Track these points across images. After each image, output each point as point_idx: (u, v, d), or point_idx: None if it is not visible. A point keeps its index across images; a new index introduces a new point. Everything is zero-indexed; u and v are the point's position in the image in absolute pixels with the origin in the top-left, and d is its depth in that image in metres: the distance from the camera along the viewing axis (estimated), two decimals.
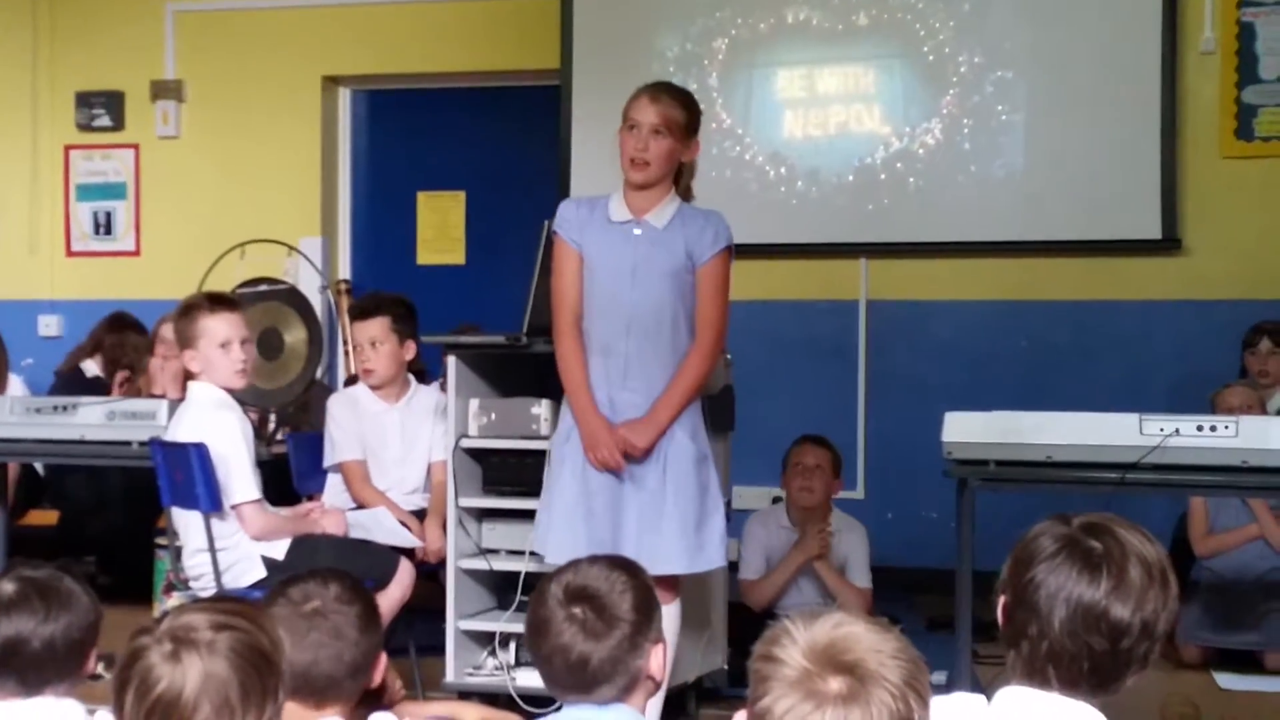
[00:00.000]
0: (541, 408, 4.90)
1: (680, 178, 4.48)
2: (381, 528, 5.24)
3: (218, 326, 4.85)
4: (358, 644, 2.75)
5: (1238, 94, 7.13)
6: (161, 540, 5.99)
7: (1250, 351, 6.53)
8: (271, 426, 6.32)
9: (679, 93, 4.47)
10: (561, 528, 4.36)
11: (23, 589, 2.70)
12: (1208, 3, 7.16)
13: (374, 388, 5.59)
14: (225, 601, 2.19)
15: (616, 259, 4.37)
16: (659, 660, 2.73)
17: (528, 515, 4.77)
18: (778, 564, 5.76)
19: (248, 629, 2.08)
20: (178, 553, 4.95)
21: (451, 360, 4.98)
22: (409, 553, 5.18)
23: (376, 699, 2.93)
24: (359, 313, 5.69)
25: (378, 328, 5.56)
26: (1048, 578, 2.25)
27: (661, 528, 4.32)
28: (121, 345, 7.38)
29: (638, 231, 4.38)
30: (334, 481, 5.60)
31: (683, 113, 4.39)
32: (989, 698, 2.32)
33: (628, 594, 2.71)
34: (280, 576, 4.67)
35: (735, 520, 5.55)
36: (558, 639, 2.66)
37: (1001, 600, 2.33)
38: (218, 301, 4.98)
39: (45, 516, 7.20)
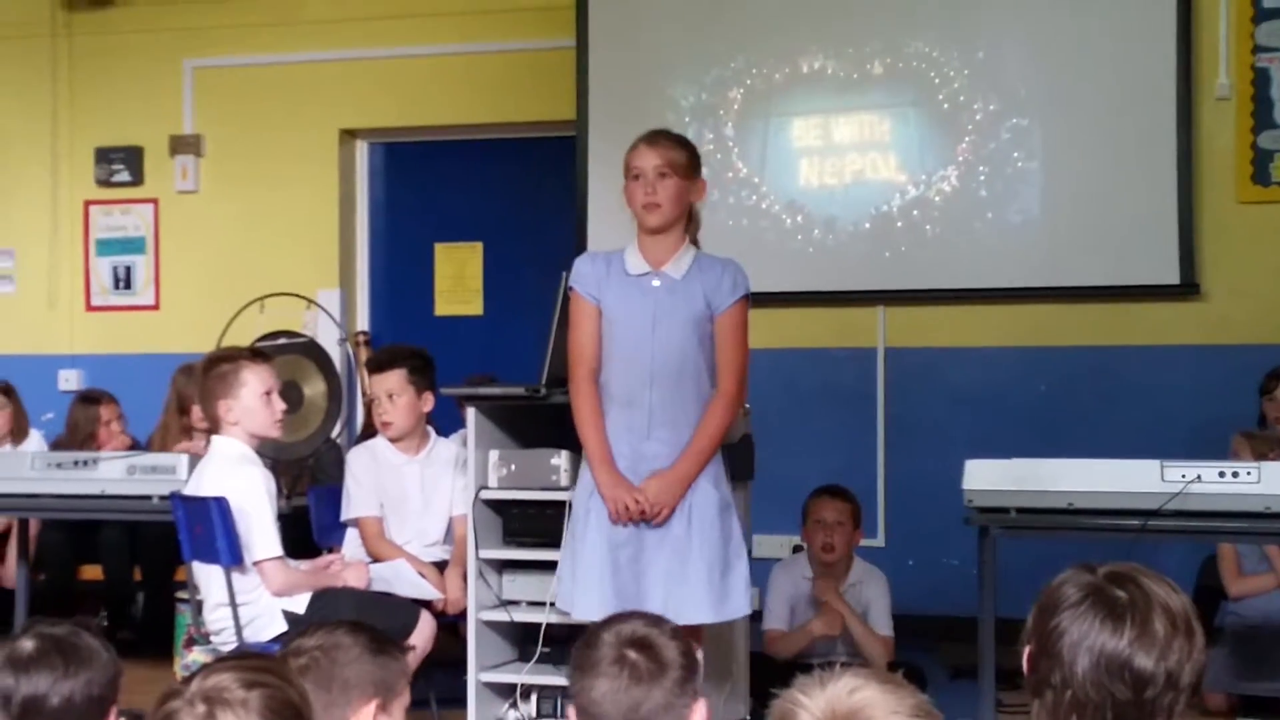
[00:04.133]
0: (561, 459, 4.90)
1: (689, 227, 4.50)
2: (402, 580, 5.24)
3: (261, 376, 4.94)
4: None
5: (1254, 139, 7.13)
6: (182, 594, 5.99)
7: (1268, 398, 6.50)
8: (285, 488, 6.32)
9: (676, 136, 4.55)
10: (588, 584, 4.35)
11: (42, 646, 2.69)
12: (1223, 48, 7.17)
13: (393, 440, 5.59)
14: (250, 658, 2.19)
15: (637, 311, 4.39)
16: (701, 716, 2.72)
17: (549, 566, 4.76)
18: (800, 625, 5.73)
19: (278, 685, 2.07)
20: (198, 607, 4.96)
21: (471, 412, 4.99)
22: (429, 605, 5.18)
23: None
24: (375, 365, 5.71)
25: (394, 380, 5.57)
26: (1071, 626, 2.24)
27: (687, 578, 4.32)
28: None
29: (656, 283, 4.41)
30: (354, 534, 5.60)
31: (683, 153, 4.45)
32: None
33: (676, 642, 2.74)
34: (300, 630, 4.70)
35: (756, 569, 5.54)
36: (610, 681, 2.66)
37: (1026, 649, 2.31)
38: (256, 353, 5.08)
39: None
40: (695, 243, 4.53)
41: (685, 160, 4.43)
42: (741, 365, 4.45)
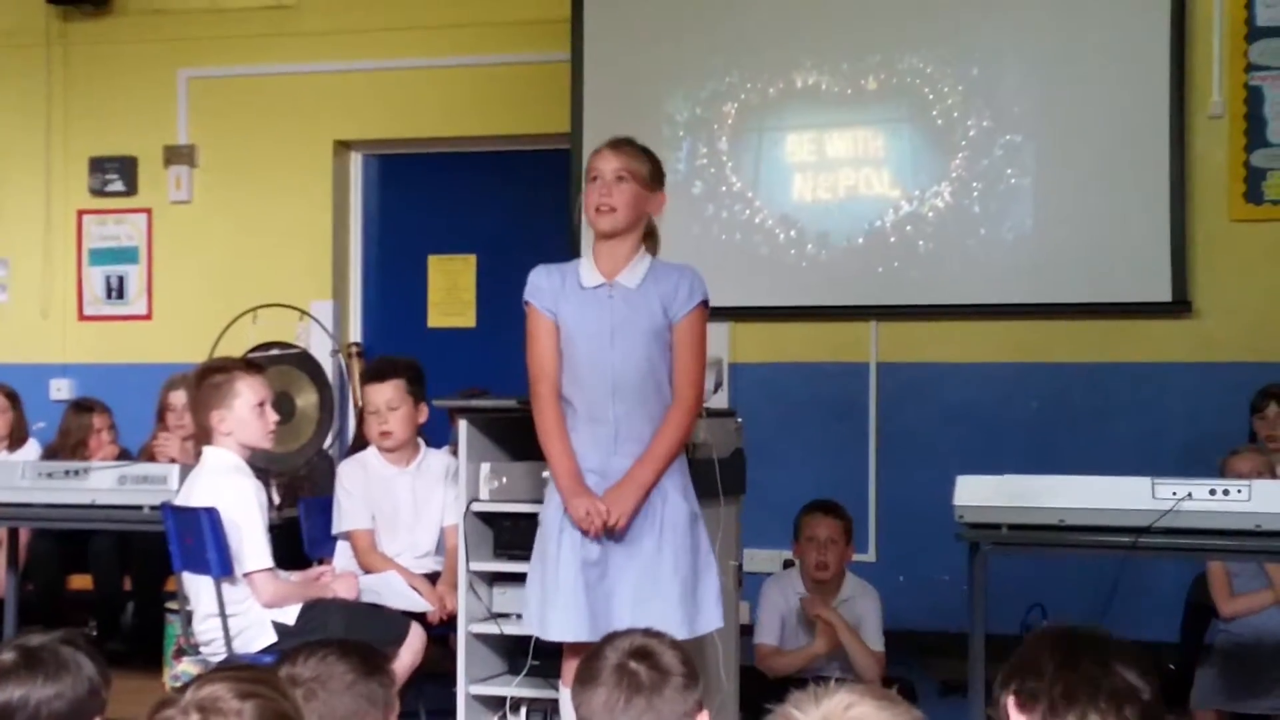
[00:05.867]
0: None
1: (648, 242, 4.42)
2: (393, 592, 5.24)
3: (254, 387, 4.93)
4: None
5: (1246, 157, 7.15)
6: (172, 605, 5.98)
7: (1259, 416, 6.51)
8: (278, 499, 6.31)
9: (640, 146, 4.45)
10: (563, 605, 4.25)
11: (16, 658, 2.69)
12: (1216, 67, 7.19)
13: (390, 450, 5.58)
14: (243, 669, 2.19)
15: (595, 324, 4.31)
16: None
17: None
18: (797, 647, 5.72)
19: (272, 696, 2.07)
20: (188, 617, 4.95)
21: (462, 424, 4.98)
22: (420, 617, 5.17)
23: None
24: (376, 375, 5.67)
25: (393, 391, 5.56)
26: None
27: (658, 593, 4.24)
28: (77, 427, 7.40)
29: (612, 294, 4.33)
30: (344, 546, 5.59)
31: (645, 163, 4.38)
32: None
33: (677, 652, 2.77)
34: (291, 641, 4.71)
35: (748, 583, 5.54)
36: (611, 691, 2.69)
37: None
38: (250, 364, 5.08)
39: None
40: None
41: (646, 170, 4.36)
42: (699, 373, 4.36)
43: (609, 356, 4.28)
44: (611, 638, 2.81)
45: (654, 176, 4.40)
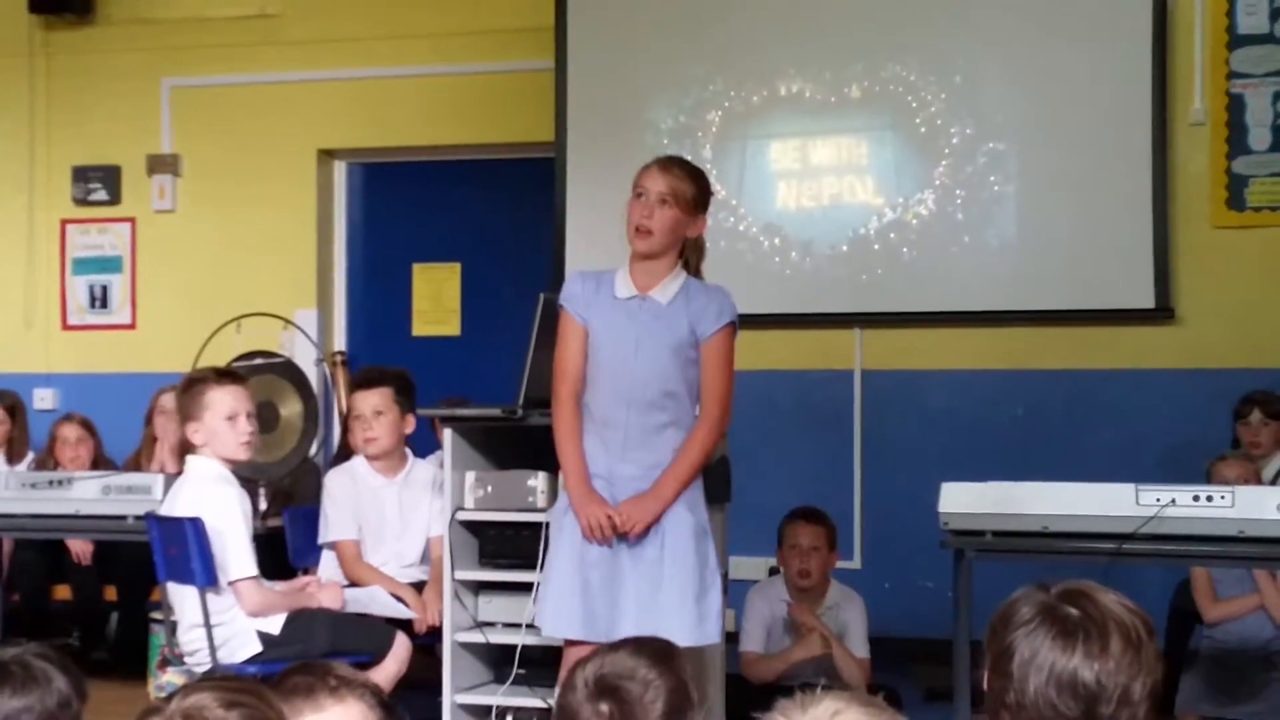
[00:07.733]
0: (538, 480, 4.90)
1: (688, 257, 4.50)
2: (377, 602, 5.23)
3: (224, 399, 4.89)
4: None
5: (1228, 165, 7.17)
6: (157, 615, 5.97)
7: (1242, 423, 6.53)
8: (264, 505, 6.30)
9: (691, 167, 4.53)
10: (557, 600, 4.36)
11: None
12: (1198, 74, 7.22)
13: (373, 458, 5.57)
14: (228, 679, 2.18)
15: (620, 333, 4.40)
16: None
17: (525, 588, 4.76)
18: (779, 651, 5.72)
19: (257, 705, 2.07)
20: (173, 628, 4.94)
21: (448, 433, 4.98)
22: (405, 626, 5.16)
23: None
24: (363, 382, 5.68)
25: (380, 398, 5.56)
26: (1022, 645, 2.24)
27: (660, 602, 4.30)
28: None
29: (642, 307, 4.42)
30: (330, 555, 5.58)
31: (691, 187, 4.44)
32: None
33: (660, 697, 2.51)
34: (276, 651, 4.70)
35: (734, 591, 5.53)
36: None
37: (985, 670, 2.31)
38: (224, 375, 5.05)
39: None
40: (699, 274, 4.53)
41: (691, 194, 4.43)
42: (725, 391, 4.44)
43: (630, 366, 4.38)
44: (580, 666, 2.58)
45: (698, 200, 4.47)
